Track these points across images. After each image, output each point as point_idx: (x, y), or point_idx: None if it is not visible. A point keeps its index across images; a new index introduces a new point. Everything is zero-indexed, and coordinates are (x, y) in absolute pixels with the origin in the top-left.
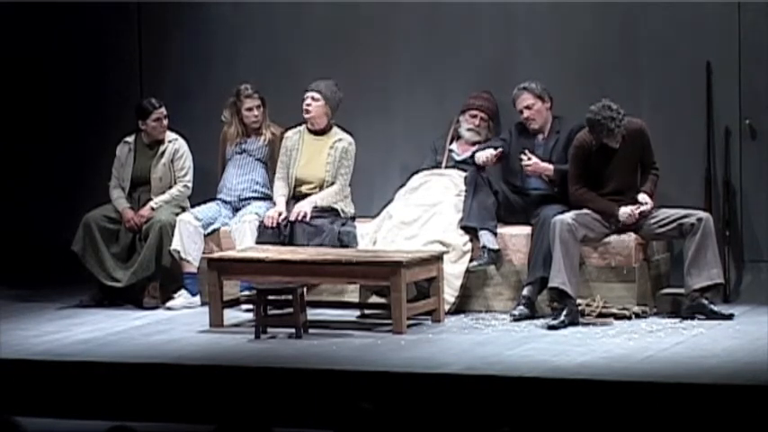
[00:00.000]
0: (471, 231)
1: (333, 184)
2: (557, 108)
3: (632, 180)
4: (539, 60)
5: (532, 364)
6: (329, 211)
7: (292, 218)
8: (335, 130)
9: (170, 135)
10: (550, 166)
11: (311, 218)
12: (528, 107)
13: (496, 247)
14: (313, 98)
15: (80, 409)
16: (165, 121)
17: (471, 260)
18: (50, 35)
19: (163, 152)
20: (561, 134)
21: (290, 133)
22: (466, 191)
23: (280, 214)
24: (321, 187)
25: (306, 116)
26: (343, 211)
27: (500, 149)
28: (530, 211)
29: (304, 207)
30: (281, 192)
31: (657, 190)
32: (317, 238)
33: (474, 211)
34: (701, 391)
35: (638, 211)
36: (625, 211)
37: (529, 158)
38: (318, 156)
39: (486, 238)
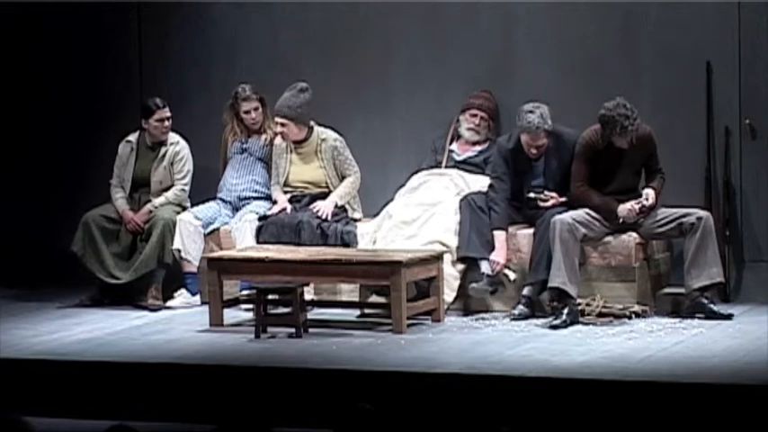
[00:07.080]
0: (470, 261)
1: (343, 179)
2: (555, 109)
3: (635, 183)
4: (539, 60)
5: (532, 364)
6: (339, 212)
7: (323, 215)
8: (315, 131)
9: (173, 137)
10: (564, 198)
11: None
12: (539, 147)
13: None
14: (282, 124)
15: (80, 408)
16: (168, 123)
17: (471, 282)
18: (51, 35)
19: (164, 155)
20: (562, 151)
21: (278, 140)
22: (460, 221)
23: (283, 209)
24: (317, 188)
25: (284, 140)
26: (352, 207)
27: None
28: (534, 214)
29: (326, 207)
30: (277, 191)
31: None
32: (323, 240)
33: (473, 240)
34: (701, 391)
35: (638, 206)
36: (624, 208)
37: (545, 198)
38: (307, 159)
39: (486, 266)
